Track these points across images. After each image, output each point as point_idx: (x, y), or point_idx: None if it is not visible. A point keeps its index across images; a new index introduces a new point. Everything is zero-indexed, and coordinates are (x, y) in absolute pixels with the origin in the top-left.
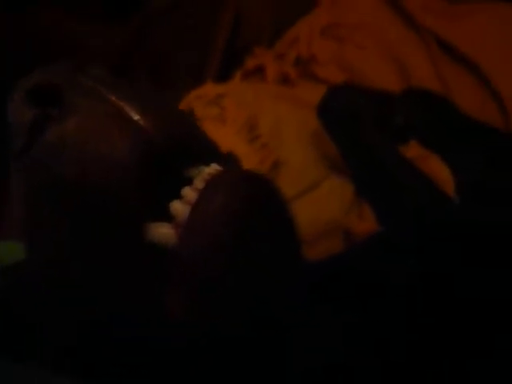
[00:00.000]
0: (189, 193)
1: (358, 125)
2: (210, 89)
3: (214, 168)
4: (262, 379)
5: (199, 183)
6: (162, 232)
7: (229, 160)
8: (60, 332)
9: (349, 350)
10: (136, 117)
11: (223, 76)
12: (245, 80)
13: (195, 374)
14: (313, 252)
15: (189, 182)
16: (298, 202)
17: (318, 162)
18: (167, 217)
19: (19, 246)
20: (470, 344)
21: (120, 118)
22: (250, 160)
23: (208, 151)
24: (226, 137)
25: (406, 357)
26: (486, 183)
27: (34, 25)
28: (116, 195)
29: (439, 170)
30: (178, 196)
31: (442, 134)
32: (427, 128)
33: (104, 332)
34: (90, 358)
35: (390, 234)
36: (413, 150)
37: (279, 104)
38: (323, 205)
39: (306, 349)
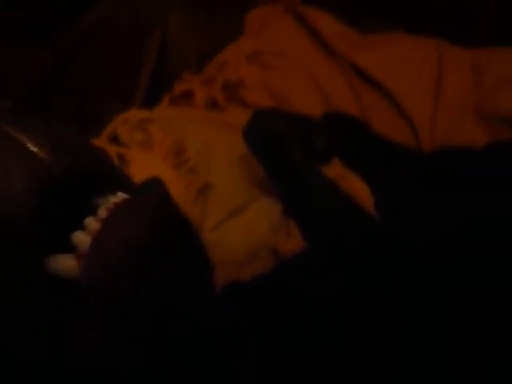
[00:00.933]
0: (91, 223)
1: (282, 147)
2: (134, 114)
3: (119, 197)
4: None
5: (103, 212)
6: (65, 264)
7: (153, 186)
8: None
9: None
10: (34, 149)
11: (152, 101)
12: (173, 105)
13: None
14: (245, 272)
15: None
16: (228, 225)
17: (247, 184)
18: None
19: None
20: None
21: (18, 149)
22: (176, 185)
23: (116, 180)
24: (151, 162)
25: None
26: (403, 201)
27: None
28: (14, 227)
29: (359, 189)
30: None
31: (361, 154)
32: (347, 149)
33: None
34: None
35: (314, 251)
36: (335, 170)
37: (208, 128)
38: (252, 226)
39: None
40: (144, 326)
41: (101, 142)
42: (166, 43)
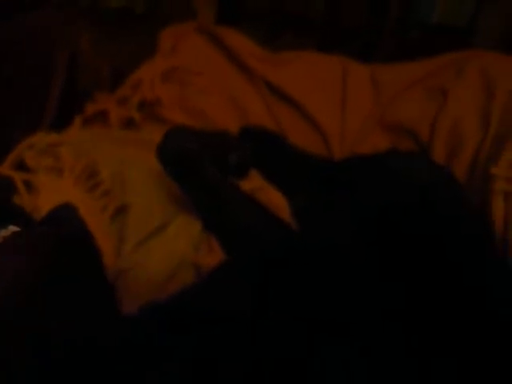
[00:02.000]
0: None
1: (195, 164)
2: (41, 138)
3: (9, 230)
4: None
5: None
6: None
7: (63, 211)
8: None
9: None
10: None
11: (61, 123)
12: (85, 126)
13: None
14: (167, 290)
15: None
16: (148, 245)
17: (165, 203)
18: None
19: None
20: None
21: None
22: (90, 209)
23: (8, 213)
24: (62, 188)
25: None
26: (315, 205)
27: None
28: None
29: (276, 199)
30: None
31: (277, 166)
32: (262, 162)
33: None
34: None
35: (235, 264)
36: (251, 183)
37: (123, 148)
38: (172, 244)
39: None
40: (44, 358)
41: (5, 168)
42: (75, 62)
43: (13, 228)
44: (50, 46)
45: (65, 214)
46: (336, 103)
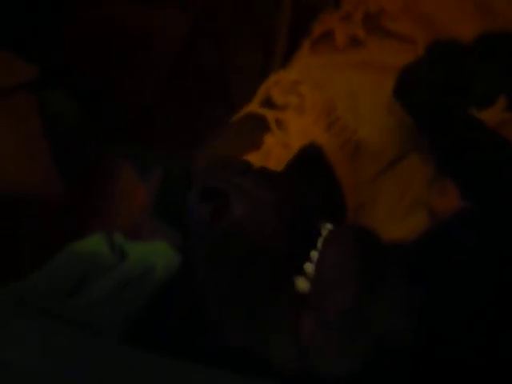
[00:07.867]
0: (313, 254)
1: (434, 95)
2: (285, 75)
3: (327, 229)
4: None
5: (319, 244)
6: (301, 284)
7: (311, 151)
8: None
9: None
10: (275, 198)
11: (292, 45)
12: (313, 49)
13: None
14: (401, 229)
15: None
16: (381, 180)
17: (397, 138)
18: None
19: (164, 246)
20: None
21: (266, 202)
22: (331, 147)
23: (322, 210)
24: (305, 127)
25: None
26: None
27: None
28: (276, 257)
29: None
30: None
31: None
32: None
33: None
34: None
35: (477, 209)
36: (498, 114)
37: (351, 74)
38: (405, 181)
39: None
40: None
41: (255, 106)
42: None
43: (328, 226)
44: None
45: (312, 154)
46: None
